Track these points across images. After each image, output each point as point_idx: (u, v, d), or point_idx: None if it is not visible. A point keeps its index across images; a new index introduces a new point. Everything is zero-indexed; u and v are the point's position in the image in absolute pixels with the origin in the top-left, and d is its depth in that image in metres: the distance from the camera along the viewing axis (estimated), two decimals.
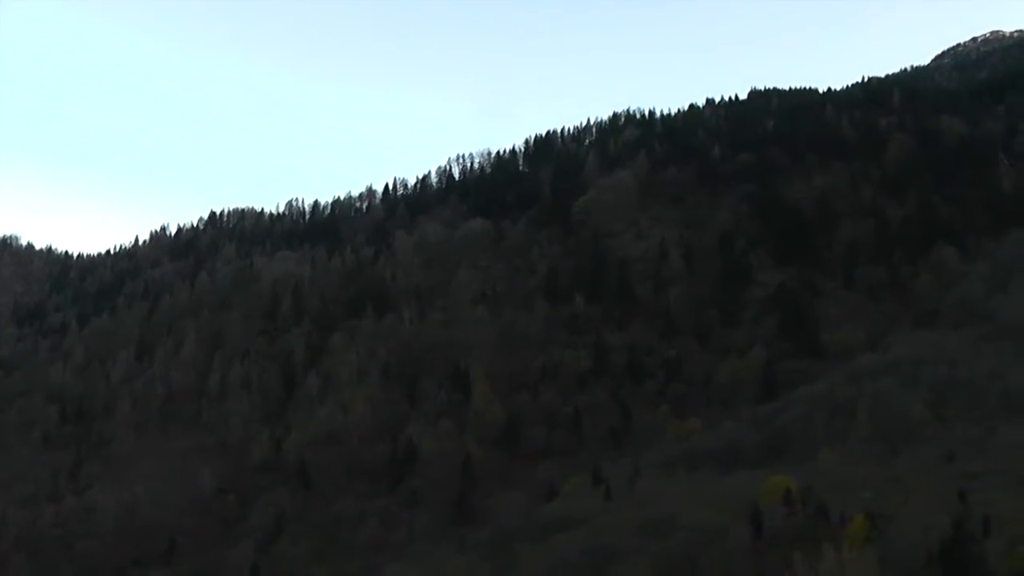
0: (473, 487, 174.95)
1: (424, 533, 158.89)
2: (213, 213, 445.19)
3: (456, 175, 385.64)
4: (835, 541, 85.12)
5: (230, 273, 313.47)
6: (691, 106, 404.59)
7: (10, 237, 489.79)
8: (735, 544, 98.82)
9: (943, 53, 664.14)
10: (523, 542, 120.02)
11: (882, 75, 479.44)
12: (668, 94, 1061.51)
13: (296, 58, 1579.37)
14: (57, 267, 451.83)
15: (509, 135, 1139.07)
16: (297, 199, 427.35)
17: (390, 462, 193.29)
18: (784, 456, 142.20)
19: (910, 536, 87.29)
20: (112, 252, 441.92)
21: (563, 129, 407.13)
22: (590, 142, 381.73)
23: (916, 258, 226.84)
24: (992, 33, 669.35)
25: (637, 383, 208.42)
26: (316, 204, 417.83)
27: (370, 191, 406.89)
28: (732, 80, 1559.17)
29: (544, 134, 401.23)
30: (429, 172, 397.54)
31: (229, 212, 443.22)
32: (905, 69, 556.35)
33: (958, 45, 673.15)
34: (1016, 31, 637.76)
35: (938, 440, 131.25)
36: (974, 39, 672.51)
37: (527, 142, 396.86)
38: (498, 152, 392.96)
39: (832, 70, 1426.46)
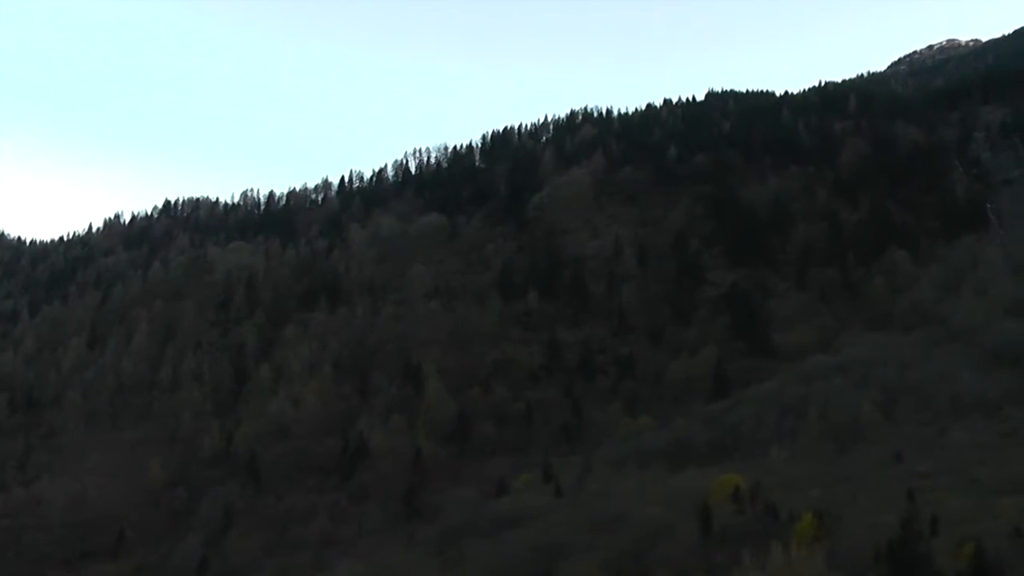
0: (423, 482, 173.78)
1: (373, 528, 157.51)
2: (168, 202, 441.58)
3: (412, 169, 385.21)
4: (783, 539, 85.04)
5: (183, 263, 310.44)
6: (648, 106, 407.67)
7: None
8: (684, 541, 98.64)
9: (899, 60, 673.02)
10: (472, 538, 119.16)
11: (838, 80, 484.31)
12: (626, 94, 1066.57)
13: (257, 46, 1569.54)
14: (8, 253, 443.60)
15: (466, 130, 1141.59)
16: (252, 189, 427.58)
17: (341, 456, 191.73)
18: (734, 454, 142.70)
19: (858, 534, 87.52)
20: (65, 239, 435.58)
21: (520, 126, 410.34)
22: (547, 139, 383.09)
23: (869, 261, 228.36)
24: (948, 41, 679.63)
25: (589, 380, 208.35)
26: (271, 195, 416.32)
27: (326, 183, 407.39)
28: (689, 81, 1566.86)
29: (501, 130, 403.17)
30: (385, 165, 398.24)
31: (184, 201, 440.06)
32: (861, 75, 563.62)
33: (914, 52, 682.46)
34: (971, 40, 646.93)
35: (887, 440, 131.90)
36: (930, 47, 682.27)
37: (484, 138, 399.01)
38: (455, 147, 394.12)
39: (789, 74, 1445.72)
